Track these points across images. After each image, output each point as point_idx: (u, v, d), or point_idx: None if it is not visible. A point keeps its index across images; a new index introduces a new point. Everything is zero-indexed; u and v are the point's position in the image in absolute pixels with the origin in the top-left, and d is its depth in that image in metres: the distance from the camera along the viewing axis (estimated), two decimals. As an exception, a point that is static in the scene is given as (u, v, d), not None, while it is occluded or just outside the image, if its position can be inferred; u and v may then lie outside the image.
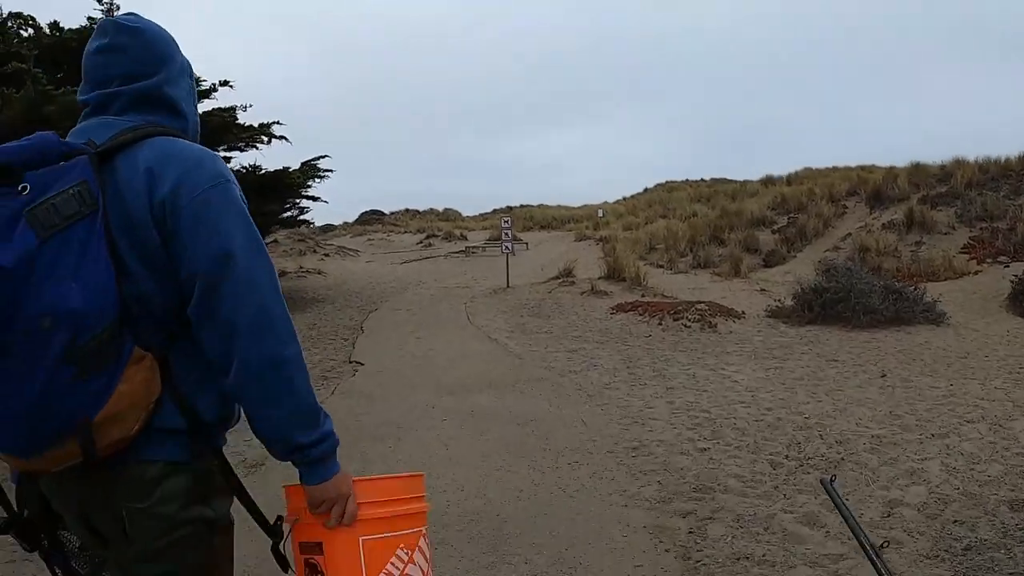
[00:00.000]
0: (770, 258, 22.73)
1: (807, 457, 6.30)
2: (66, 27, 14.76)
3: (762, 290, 18.05)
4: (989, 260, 17.57)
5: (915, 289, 14.08)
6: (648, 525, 4.94)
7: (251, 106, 16.36)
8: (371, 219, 45.62)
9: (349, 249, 30.69)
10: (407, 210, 50.04)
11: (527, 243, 28.75)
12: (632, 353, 11.11)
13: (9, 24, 14.34)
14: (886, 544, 3.53)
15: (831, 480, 2.50)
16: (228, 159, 17.08)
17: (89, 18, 15.01)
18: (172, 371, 1.74)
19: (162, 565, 1.75)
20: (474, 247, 29.48)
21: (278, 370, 1.72)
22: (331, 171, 18.78)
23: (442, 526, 4.89)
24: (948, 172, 23.42)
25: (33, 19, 14.88)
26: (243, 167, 17.12)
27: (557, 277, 18.69)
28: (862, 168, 31.98)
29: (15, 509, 1.80)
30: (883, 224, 21.86)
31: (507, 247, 19.68)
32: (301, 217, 21.40)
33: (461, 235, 34.37)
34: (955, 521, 4.92)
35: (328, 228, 41.32)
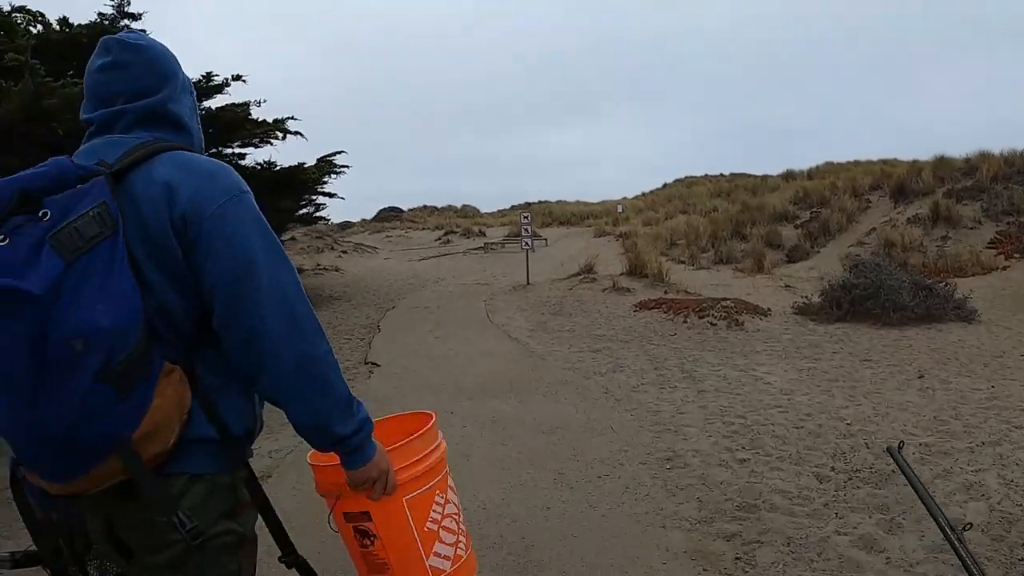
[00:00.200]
0: (793, 253, 22.21)
1: (855, 469, 5.78)
2: (76, 23, 14.42)
3: (786, 286, 17.51)
4: (1017, 255, 17.12)
5: (945, 285, 13.56)
6: (689, 550, 4.43)
7: (265, 101, 15.97)
8: (389, 216, 45.24)
9: (367, 246, 30.39)
10: (425, 207, 49.69)
11: (546, 239, 28.27)
12: (658, 353, 10.60)
13: (16, 19, 14.04)
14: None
15: (899, 447, 2.33)
16: (242, 155, 16.79)
17: (100, 13, 14.64)
18: (200, 381, 1.76)
19: (201, 569, 1.76)
20: (493, 243, 29.09)
21: (311, 368, 1.75)
22: (347, 167, 18.38)
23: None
24: (973, 165, 22.87)
25: (42, 15, 14.59)
26: (257, 164, 16.77)
27: (578, 274, 18.21)
28: (884, 162, 31.36)
29: (45, 540, 1.82)
30: (908, 218, 21.34)
31: (527, 243, 19.20)
32: (317, 214, 20.97)
33: (480, 231, 34.02)
34: (1026, 544, 4.41)
35: (346, 225, 41.10)
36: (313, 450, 1.96)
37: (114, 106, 1.88)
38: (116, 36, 1.94)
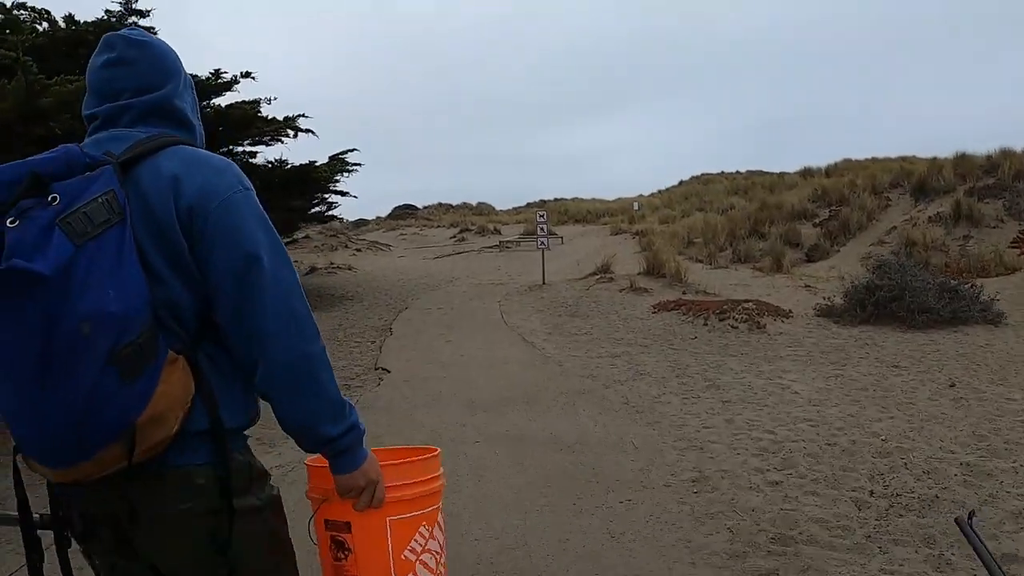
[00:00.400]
0: (813, 252, 21.72)
1: (895, 493, 5.34)
2: (82, 20, 14.15)
3: (807, 286, 17.01)
4: (1041, 255, 16.54)
5: (971, 287, 13.07)
6: (723, 591, 4.02)
7: (275, 99, 15.63)
8: (404, 214, 44.83)
9: (381, 244, 30.10)
10: (440, 204, 49.33)
11: (562, 237, 27.84)
12: (680, 358, 10.15)
13: (22, 16, 13.79)
14: None
15: (969, 519, 1.80)
16: (253, 154, 16.45)
17: (107, 11, 14.34)
18: (203, 374, 1.73)
19: (228, 559, 1.74)
20: (508, 242, 28.66)
21: (304, 367, 1.74)
22: (360, 165, 18.00)
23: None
24: (995, 163, 22.31)
25: (48, 12, 14.34)
26: (268, 162, 16.43)
27: (594, 273, 17.75)
28: (903, 159, 30.78)
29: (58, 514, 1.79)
30: (929, 217, 20.79)
31: (542, 242, 18.76)
32: (329, 213, 20.59)
33: (495, 229, 33.63)
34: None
35: (361, 223, 40.86)
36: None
37: (119, 101, 1.86)
38: (120, 33, 1.92)
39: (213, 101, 14.52)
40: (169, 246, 1.70)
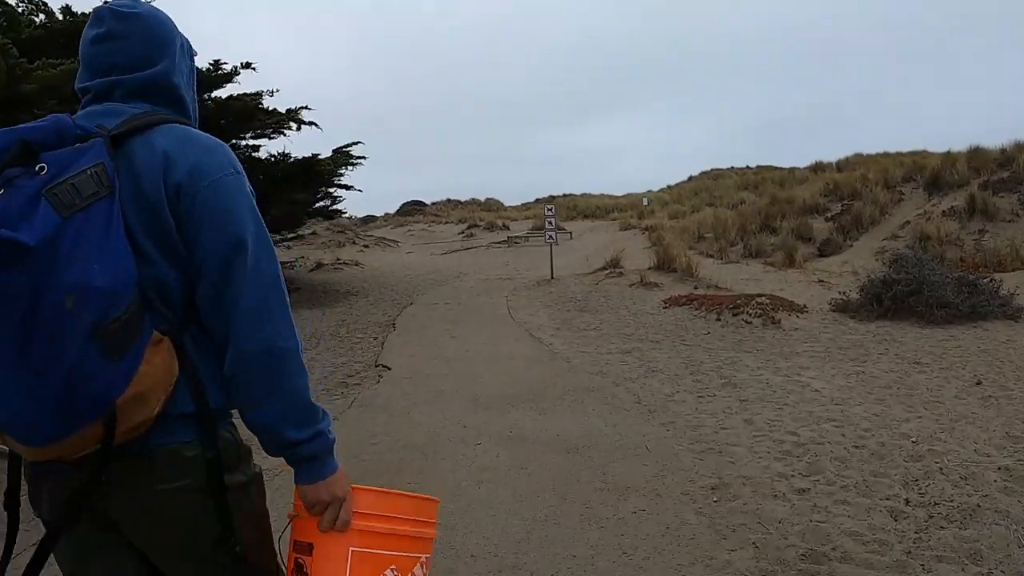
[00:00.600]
0: (825, 247, 21.16)
1: (933, 502, 4.82)
2: (79, 11, 13.81)
3: (820, 281, 16.45)
4: (1057, 249, 16.06)
5: (990, 281, 12.53)
6: (750, 618, 3.51)
7: (278, 90, 15.16)
8: (412, 210, 44.51)
9: (389, 240, 29.70)
10: (449, 200, 49.01)
11: (571, 233, 27.37)
12: (693, 355, 9.63)
13: (20, 8, 13.51)
14: None
15: None
16: (256, 147, 16.04)
17: (105, 1, 13.93)
18: (188, 357, 1.71)
19: (197, 542, 1.73)
20: (517, 237, 28.21)
21: (272, 361, 1.69)
22: (364, 158, 17.54)
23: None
24: (1009, 156, 21.73)
25: (45, 3, 14.03)
26: (271, 155, 15.99)
27: (604, 268, 17.25)
28: (914, 153, 30.20)
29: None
30: (943, 211, 20.23)
31: (551, 236, 18.23)
32: (334, 207, 20.11)
33: (503, 225, 33.24)
34: None
35: (369, 219, 40.64)
36: None
37: (111, 76, 1.81)
38: (108, 5, 1.85)
39: (213, 93, 14.09)
40: (157, 224, 1.66)
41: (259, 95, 14.52)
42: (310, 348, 10.74)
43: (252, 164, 15.54)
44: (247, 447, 1.86)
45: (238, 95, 14.20)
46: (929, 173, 22.83)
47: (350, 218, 30.19)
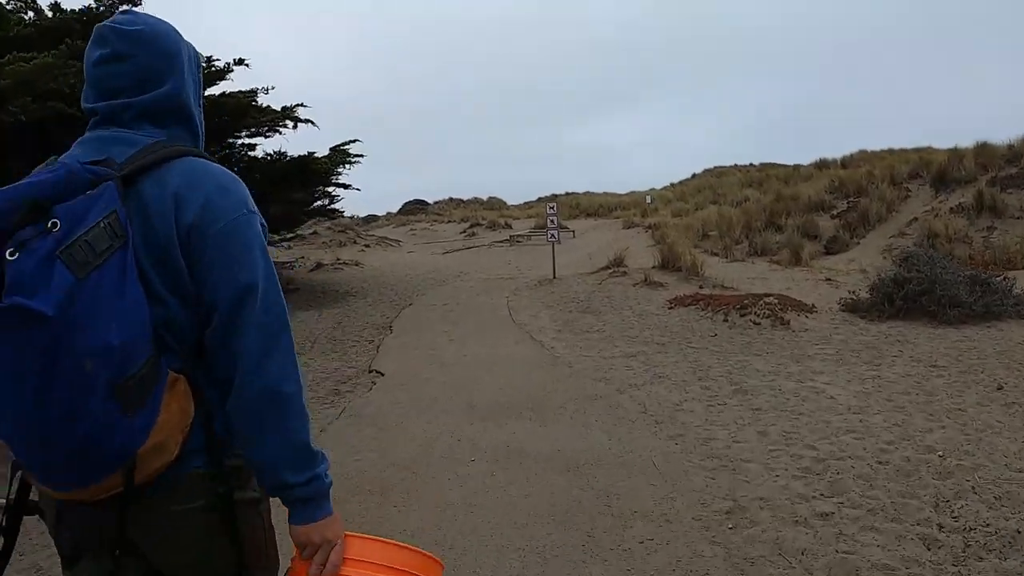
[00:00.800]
0: (832, 245, 20.58)
1: (968, 527, 4.32)
2: (69, 8, 13.36)
3: (827, 279, 15.93)
4: (1069, 246, 15.58)
5: (1003, 279, 12.02)
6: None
7: (273, 88, 14.69)
8: (415, 209, 44.02)
9: (390, 240, 29.24)
10: (451, 199, 48.54)
11: (573, 231, 26.84)
12: (700, 358, 9.11)
13: (8, 6, 13.10)
14: None
15: None
16: (252, 146, 15.58)
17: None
18: (203, 393, 1.69)
19: (215, 562, 1.73)
20: (519, 236, 27.71)
21: (273, 404, 1.67)
22: (362, 156, 17.00)
23: None
24: (1017, 152, 21.15)
25: (34, 1, 13.58)
26: (267, 154, 15.51)
27: (607, 267, 16.71)
28: (919, 150, 29.61)
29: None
30: (951, 208, 19.66)
31: (553, 235, 17.71)
32: (331, 206, 19.61)
33: (506, 224, 32.70)
34: None
35: (371, 219, 40.19)
36: None
37: (118, 99, 1.75)
38: (110, 23, 1.78)
39: (206, 92, 13.60)
40: (168, 265, 1.63)
41: (253, 93, 14.05)
42: (304, 352, 10.25)
43: (248, 164, 15.10)
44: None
45: (231, 92, 13.72)
46: (936, 169, 22.27)
47: (352, 217, 29.76)
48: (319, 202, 18.69)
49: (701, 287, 14.51)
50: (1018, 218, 18.10)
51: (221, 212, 1.66)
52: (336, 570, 1.70)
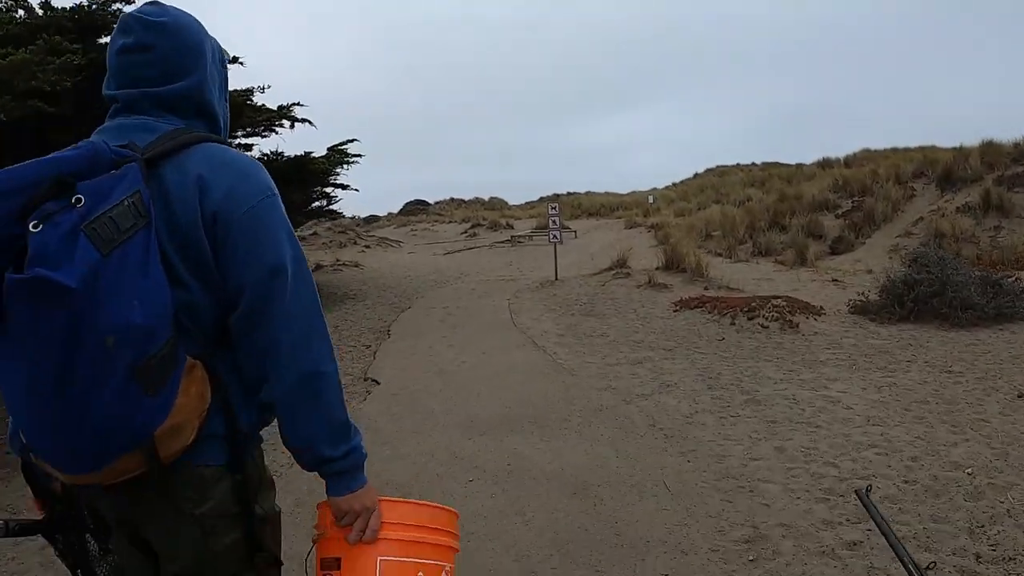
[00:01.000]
0: (837, 244, 20.16)
1: (1007, 556, 3.93)
2: (59, 6, 12.95)
3: (834, 280, 15.56)
4: (1078, 246, 15.26)
5: (1015, 280, 11.68)
6: None
7: (269, 87, 14.30)
8: (415, 209, 43.70)
9: (391, 240, 28.87)
10: (452, 200, 48.26)
11: (575, 231, 26.45)
12: (709, 365, 8.70)
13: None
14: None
15: (867, 491, 2.12)
16: (249, 146, 15.17)
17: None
18: (219, 378, 1.68)
19: (224, 564, 1.72)
20: (520, 236, 27.31)
21: (313, 386, 1.69)
22: (360, 156, 16.58)
23: None
24: (1023, 151, 20.73)
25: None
26: (264, 154, 15.09)
27: (610, 268, 16.26)
28: (923, 149, 29.20)
29: (63, 509, 1.79)
30: (957, 207, 19.28)
31: (555, 235, 17.30)
32: (330, 207, 19.18)
33: (507, 224, 32.33)
34: None
35: (372, 219, 39.89)
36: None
37: (139, 88, 1.74)
38: (136, 12, 1.77)
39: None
40: (191, 249, 1.62)
41: (249, 91, 13.65)
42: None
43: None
44: (270, 479, 1.84)
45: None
46: (941, 168, 21.90)
47: (353, 218, 29.43)
48: (317, 203, 18.27)
49: (706, 288, 14.11)
50: (1026, 217, 17.74)
51: (245, 196, 1.65)
52: (376, 536, 1.74)
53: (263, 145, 23.83)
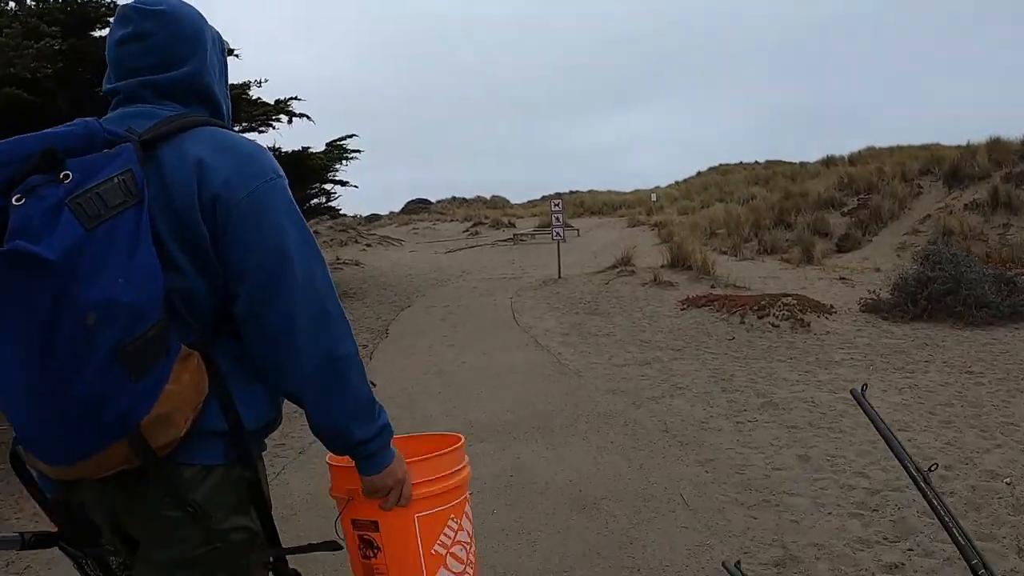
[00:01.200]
0: (843, 242, 19.77)
1: (1062, 576, 3.51)
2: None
3: (842, 278, 15.15)
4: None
5: (1028, 278, 11.30)
6: None
7: (266, 81, 13.90)
8: (417, 208, 43.39)
9: (392, 239, 28.45)
10: (454, 198, 47.94)
11: (578, 229, 26.03)
12: (720, 365, 8.25)
13: None
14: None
15: (862, 390, 2.07)
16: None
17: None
18: (218, 370, 1.58)
19: (198, 573, 1.61)
20: (522, 234, 26.88)
21: (334, 368, 1.60)
22: (359, 151, 16.13)
23: None
24: (1031, 148, 20.50)
25: (15, -8, 12.87)
26: (261, 151, 14.71)
27: (614, 266, 15.87)
28: (928, 147, 28.77)
29: (65, 519, 1.67)
30: (965, 205, 18.96)
31: (557, 233, 16.87)
32: (329, 204, 18.73)
33: (509, 223, 31.88)
34: None
35: (374, 218, 39.54)
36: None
37: (139, 77, 1.69)
38: (133, 3, 1.71)
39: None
40: (188, 234, 1.54)
41: (246, 85, 13.24)
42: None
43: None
44: (264, 496, 1.69)
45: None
46: (948, 165, 21.60)
47: (355, 217, 29.04)
48: (316, 200, 17.84)
49: (713, 286, 13.73)
50: (1034, 215, 17.42)
51: (246, 180, 1.57)
52: (410, 501, 1.73)
53: (260, 140, 23.39)
